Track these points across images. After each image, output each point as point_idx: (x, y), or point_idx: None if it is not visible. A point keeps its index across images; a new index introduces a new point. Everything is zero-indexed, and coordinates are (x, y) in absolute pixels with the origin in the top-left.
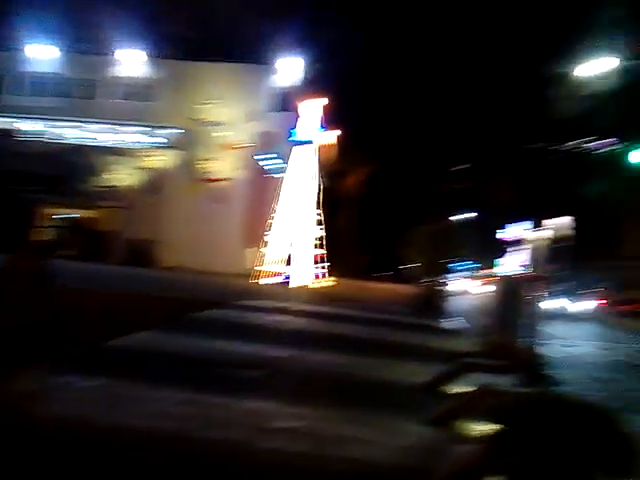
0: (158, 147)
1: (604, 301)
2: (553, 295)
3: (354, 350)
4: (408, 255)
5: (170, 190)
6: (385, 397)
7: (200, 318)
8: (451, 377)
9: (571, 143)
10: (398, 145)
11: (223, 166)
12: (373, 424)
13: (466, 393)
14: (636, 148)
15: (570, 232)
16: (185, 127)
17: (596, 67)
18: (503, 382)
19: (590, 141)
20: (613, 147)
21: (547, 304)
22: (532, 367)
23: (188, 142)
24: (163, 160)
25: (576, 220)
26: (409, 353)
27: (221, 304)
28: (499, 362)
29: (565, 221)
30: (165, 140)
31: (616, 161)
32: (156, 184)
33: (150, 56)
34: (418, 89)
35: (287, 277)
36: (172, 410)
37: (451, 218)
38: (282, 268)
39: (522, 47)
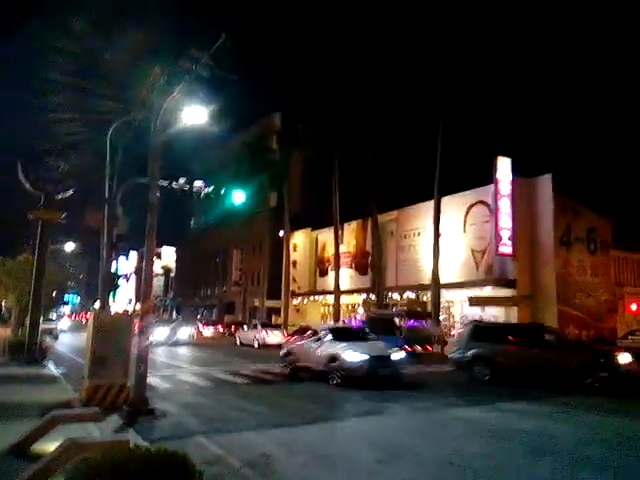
0: None
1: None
2: (165, 324)
3: None
4: None
5: None
6: None
7: None
8: (42, 434)
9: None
10: None
11: None
12: None
13: (54, 451)
14: (232, 190)
15: (173, 262)
16: None
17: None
18: (101, 428)
19: (188, 183)
20: (207, 188)
21: (159, 334)
22: (134, 404)
23: None
24: None
25: (177, 252)
26: None
27: None
28: (95, 407)
29: (170, 251)
30: None
31: (217, 201)
32: None
33: None
34: None
35: None
36: None
37: (52, 248)
38: None
39: None
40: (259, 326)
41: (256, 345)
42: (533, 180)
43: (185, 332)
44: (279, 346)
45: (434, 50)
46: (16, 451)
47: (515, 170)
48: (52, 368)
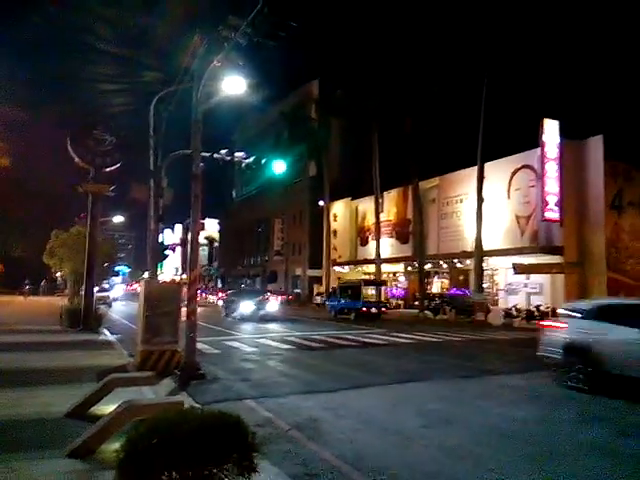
0: None
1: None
2: (250, 296)
3: None
4: (52, 263)
5: None
6: (23, 434)
7: None
8: (100, 397)
9: (218, 155)
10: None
11: None
12: (10, 469)
13: (112, 412)
14: (273, 160)
15: (217, 233)
16: None
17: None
18: (155, 391)
19: (229, 154)
20: (247, 159)
21: (245, 308)
22: (186, 369)
23: None
24: None
25: (220, 223)
26: (55, 376)
27: None
28: (149, 372)
29: (213, 223)
30: None
31: (257, 172)
32: None
33: None
34: None
35: None
36: None
37: (102, 220)
38: None
39: None
40: None
41: None
42: (582, 142)
43: (273, 305)
44: None
45: (476, 9)
46: (76, 413)
47: (563, 132)
48: (107, 334)
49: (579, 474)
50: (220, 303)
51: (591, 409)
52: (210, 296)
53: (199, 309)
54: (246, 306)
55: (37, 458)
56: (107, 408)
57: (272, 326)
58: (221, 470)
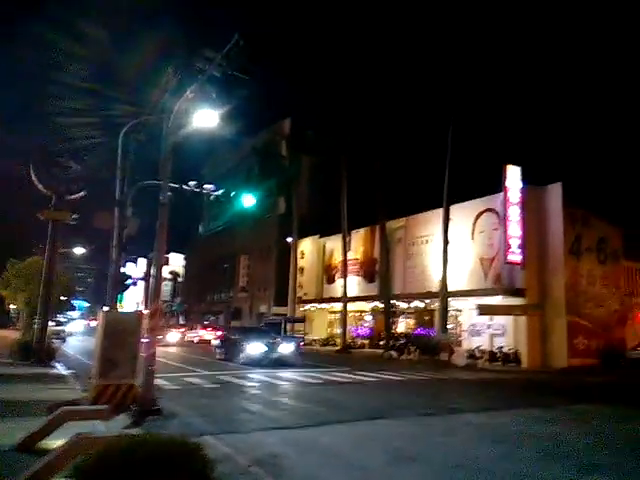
0: None
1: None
2: (261, 336)
3: None
4: (5, 294)
5: None
6: None
7: None
8: (50, 430)
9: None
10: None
11: None
12: None
13: (62, 445)
14: (242, 193)
15: (181, 268)
16: None
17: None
18: (109, 426)
19: (199, 186)
20: (216, 192)
21: (254, 349)
22: (142, 404)
23: None
24: None
25: (186, 258)
26: (3, 408)
27: None
28: (103, 406)
29: (178, 258)
30: None
31: (226, 205)
32: None
33: None
34: None
35: None
36: None
37: (62, 251)
38: None
39: None
40: (199, 327)
41: (196, 340)
42: (543, 188)
43: (288, 347)
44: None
45: (444, 58)
46: (24, 447)
47: (525, 178)
48: (60, 369)
49: None
50: (215, 343)
51: (554, 447)
52: (190, 333)
53: (176, 349)
54: (255, 348)
55: None
56: (57, 442)
57: (235, 365)
58: None
